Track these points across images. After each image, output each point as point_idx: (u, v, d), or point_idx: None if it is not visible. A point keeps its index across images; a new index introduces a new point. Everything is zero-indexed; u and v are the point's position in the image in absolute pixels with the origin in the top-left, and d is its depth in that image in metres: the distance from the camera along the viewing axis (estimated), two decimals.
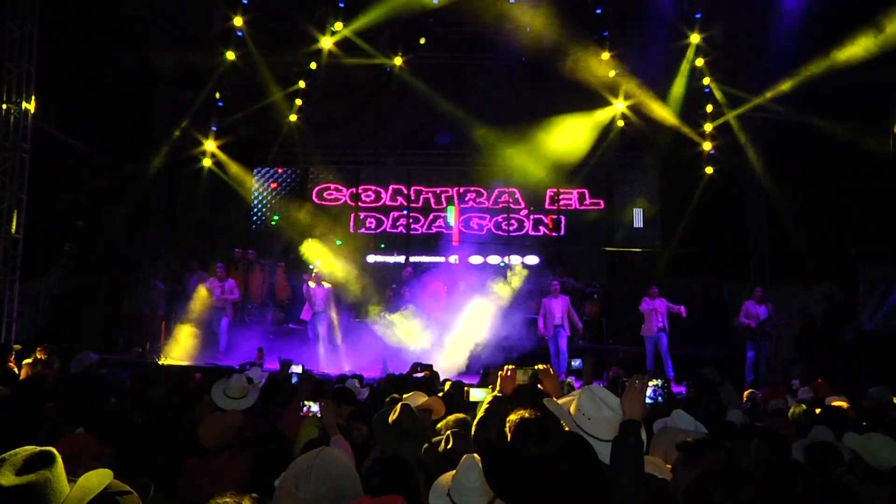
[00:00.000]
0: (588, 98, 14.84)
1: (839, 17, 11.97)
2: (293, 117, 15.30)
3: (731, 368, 10.77)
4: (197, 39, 14.25)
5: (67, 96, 12.12)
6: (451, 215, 16.42)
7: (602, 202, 16.48)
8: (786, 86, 13.14)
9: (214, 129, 14.98)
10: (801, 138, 13.39)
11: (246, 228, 16.43)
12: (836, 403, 6.13)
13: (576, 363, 11.32)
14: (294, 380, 6.69)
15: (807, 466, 3.84)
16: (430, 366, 8.29)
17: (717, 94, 14.63)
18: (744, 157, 14.89)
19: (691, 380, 8.86)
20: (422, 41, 14.81)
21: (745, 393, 7.46)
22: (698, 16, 14.12)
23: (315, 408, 4.34)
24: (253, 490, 2.92)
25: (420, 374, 7.49)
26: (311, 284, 12.30)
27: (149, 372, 8.41)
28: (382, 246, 16.47)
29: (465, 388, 5.31)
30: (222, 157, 15.19)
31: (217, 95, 14.69)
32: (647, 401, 2.74)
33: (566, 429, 2.80)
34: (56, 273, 12.59)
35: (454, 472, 2.81)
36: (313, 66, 14.75)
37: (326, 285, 12.43)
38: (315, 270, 12.63)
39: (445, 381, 7.07)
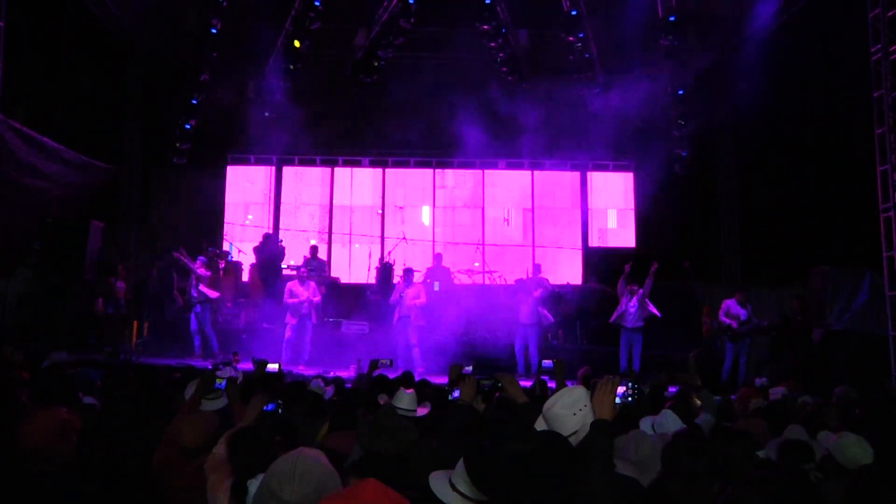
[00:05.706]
0: (563, 98, 14.91)
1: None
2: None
3: (705, 369, 10.88)
4: (171, 36, 14.08)
5: (37, 91, 11.91)
6: (426, 214, 16.43)
7: (578, 202, 16.57)
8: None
9: (189, 126, 14.80)
10: (775, 142, 13.63)
11: (219, 227, 16.25)
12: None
13: (546, 363, 11.31)
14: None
15: (777, 463, 3.89)
16: (391, 361, 7.97)
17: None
18: (717, 158, 15.07)
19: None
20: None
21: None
22: (672, 18, 14.20)
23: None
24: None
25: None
26: (297, 284, 11.96)
27: (120, 371, 8.29)
28: (356, 246, 16.43)
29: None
30: (195, 154, 15.02)
31: (193, 93, 14.52)
32: (617, 401, 2.77)
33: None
34: (24, 272, 12.35)
35: None
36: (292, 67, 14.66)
37: (310, 283, 12.19)
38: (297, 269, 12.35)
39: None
